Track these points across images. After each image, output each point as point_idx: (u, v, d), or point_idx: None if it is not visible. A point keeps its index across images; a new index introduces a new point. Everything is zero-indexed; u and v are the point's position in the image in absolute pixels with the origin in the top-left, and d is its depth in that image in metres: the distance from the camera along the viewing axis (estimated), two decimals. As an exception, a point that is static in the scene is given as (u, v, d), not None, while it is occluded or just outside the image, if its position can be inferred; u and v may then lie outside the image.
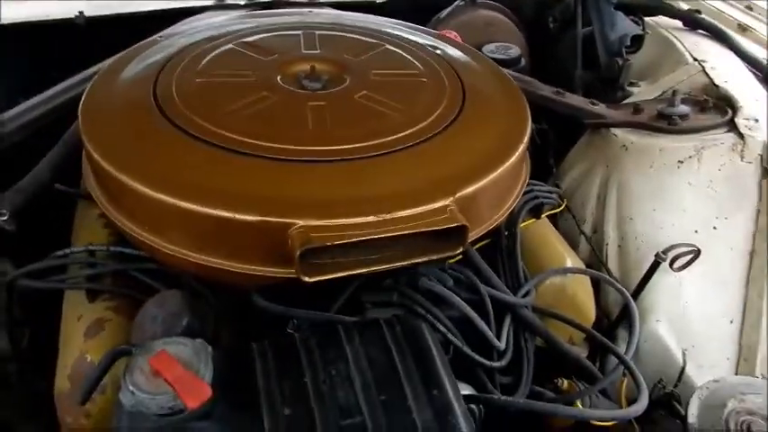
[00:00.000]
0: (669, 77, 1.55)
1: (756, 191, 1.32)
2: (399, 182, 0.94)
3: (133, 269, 1.04)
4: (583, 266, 1.25)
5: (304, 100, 1.08)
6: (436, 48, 1.31)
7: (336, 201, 0.90)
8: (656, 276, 1.26)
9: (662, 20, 1.77)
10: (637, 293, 1.26)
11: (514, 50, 1.60)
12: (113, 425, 0.76)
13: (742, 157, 1.31)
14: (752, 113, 1.37)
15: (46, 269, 1.06)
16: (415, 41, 1.31)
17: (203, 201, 0.88)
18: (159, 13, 1.55)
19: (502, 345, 1.03)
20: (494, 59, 1.42)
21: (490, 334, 1.00)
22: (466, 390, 0.95)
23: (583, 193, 1.45)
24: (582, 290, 1.20)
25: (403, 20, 1.47)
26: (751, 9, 1.77)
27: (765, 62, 1.55)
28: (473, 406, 0.90)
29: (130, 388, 0.71)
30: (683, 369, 1.25)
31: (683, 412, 1.06)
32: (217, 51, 1.19)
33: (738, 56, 1.60)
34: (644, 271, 1.27)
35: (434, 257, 0.92)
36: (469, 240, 0.94)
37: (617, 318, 1.29)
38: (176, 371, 0.73)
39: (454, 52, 1.31)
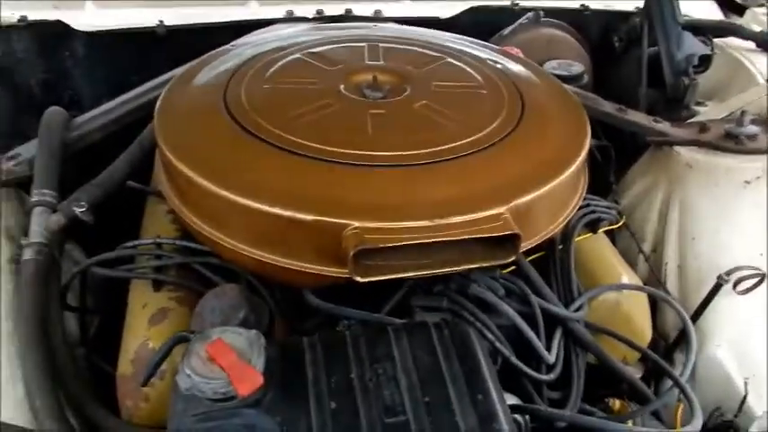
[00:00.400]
0: (738, 98, 1.51)
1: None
2: (454, 189, 0.96)
3: (196, 263, 1.08)
4: (640, 284, 1.22)
5: (365, 108, 1.11)
6: (497, 62, 1.32)
7: (391, 204, 0.92)
8: (717, 299, 1.23)
9: (733, 41, 1.72)
10: (697, 316, 1.24)
11: (577, 67, 1.59)
12: (170, 407, 0.80)
13: (812, 180, 1.27)
14: (823, 136, 1.32)
15: (116, 259, 1.12)
16: (476, 55, 1.33)
17: (263, 199, 0.91)
18: (233, 24, 1.62)
19: (551, 358, 1.02)
20: (555, 76, 1.42)
21: (539, 344, 1.00)
22: (511, 400, 0.95)
23: (643, 211, 1.43)
24: (638, 308, 1.17)
25: (466, 36, 1.49)
26: (827, 31, 1.71)
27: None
28: (518, 417, 0.90)
29: (187, 372, 0.75)
30: (744, 398, 1.21)
31: (740, 440, 1.04)
32: (284, 60, 1.24)
33: (812, 77, 1.54)
34: (705, 293, 1.24)
35: (486, 264, 0.93)
36: (522, 250, 0.94)
37: (674, 341, 1.27)
38: (231, 358, 0.76)
39: (515, 66, 1.32)
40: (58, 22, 1.59)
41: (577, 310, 1.10)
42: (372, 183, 0.96)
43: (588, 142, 1.11)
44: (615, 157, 1.53)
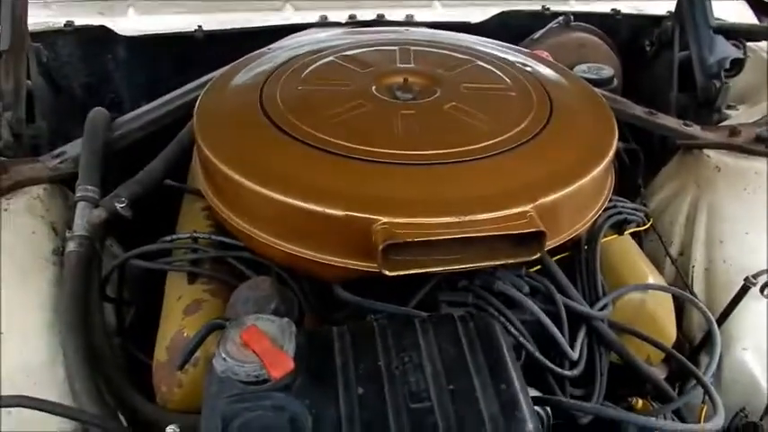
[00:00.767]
0: (770, 102, 1.51)
1: None
2: (481, 186, 0.98)
3: (230, 256, 1.12)
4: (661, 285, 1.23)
5: (396, 109, 1.14)
6: (525, 65, 1.34)
7: (419, 201, 0.95)
8: (744, 302, 1.23)
9: (765, 44, 1.72)
10: (723, 318, 1.23)
11: (607, 71, 1.60)
12: (205, 390, 0.84)
13: (841, 184, 1.26)
14: None
15: (155, 252, 1.17)
16: (504, 58, 1.35)
17: (296, 194, 0.95)
18: (268, 28, 1.68)
19: (575, 354, 1.04)
20: (585, 79, 1.44)
21: (562, 340, 1.02)
22: (533, 393, 0.97)
23: (671, 213, 1.43)
24: (663, 309, 1.18)
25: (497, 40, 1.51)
26: None
27: None
28: (540, 410, 0.92)
29: (223, 355, 0.79)
30: (770, 401, 1.20)
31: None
32: (318, 63, 1.29)
33: None
34: (732, 295, 1.23)
35: (511, 261, 0.95)
36: (547, 248, 0.96)
37: (700, 343, 1.26)
38: (264, 344, 0.79)
39: (543, 69, 1.34)
40: (102, 27, 1.66)
41: (602, 309, 1.11)
42: (402, 180, 0.99)
43: (615, 144, 1.12)
44: (644, 161, 1.53)
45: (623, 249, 1.25)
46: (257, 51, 1.39)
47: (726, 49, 1.56)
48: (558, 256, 1.16)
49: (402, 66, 1.29)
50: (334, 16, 1.72)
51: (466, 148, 1.05)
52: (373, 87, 1.21)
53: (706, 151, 1.40)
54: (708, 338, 1.24)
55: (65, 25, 1.66)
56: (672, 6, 1.86)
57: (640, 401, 1.12)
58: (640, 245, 1.35)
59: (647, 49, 1.84)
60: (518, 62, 1.35)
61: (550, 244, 0.99)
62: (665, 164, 1.54)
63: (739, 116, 1.55)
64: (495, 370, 0.83)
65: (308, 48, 1.36)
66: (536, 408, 0.87)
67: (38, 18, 1.41)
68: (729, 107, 1.59)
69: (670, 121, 1.47)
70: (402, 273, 0.92)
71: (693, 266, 1.34)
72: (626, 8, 1.91)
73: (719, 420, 0.91)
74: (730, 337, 1.23)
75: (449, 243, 0.92)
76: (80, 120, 1.63)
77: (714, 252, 1.32)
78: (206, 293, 1.10)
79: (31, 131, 1.44)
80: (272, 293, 0.99)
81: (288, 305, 1.00)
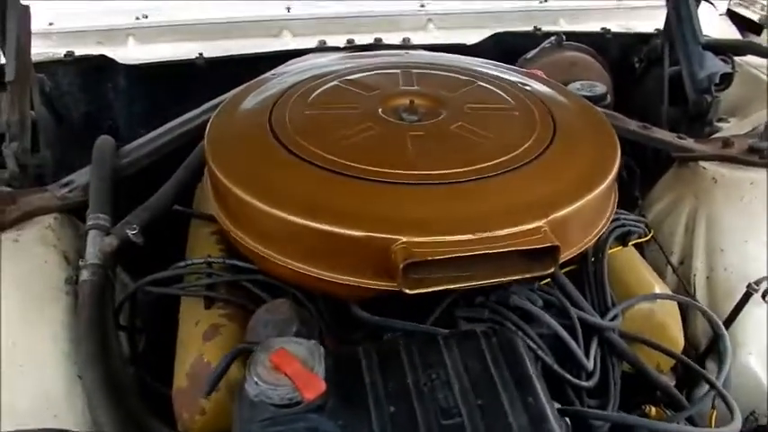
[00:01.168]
0: (760, 114, 1.56)
1: None
2: (495, 204, 1.01)
3: (245, 280, 1.13)
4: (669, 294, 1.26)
5: (404, 130, 1.17)
6: (526, 84, 1.38)
7: (436, 219, 0.97)
8: (746, 309, 1.26)
9: (751, 59, 1.77)
10: (727, 324, 1.26)
11: (600, 88, 1.64)
12: (235, 415, 0.84)
13: (835, 192, 1.31)
14: None
15: (168, 278, 1.18)
16: (505, 78, 1.39)
17: (314, 217, 0.97)
18: (268, 54, 1.70)
19: (591, 365, 1.06)
20: (580, 96, 1.47)
21: (579, 352, 1.04)
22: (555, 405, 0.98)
23: (670, 224, 1.47)
24: (671, 317, 1.20)
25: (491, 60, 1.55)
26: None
27: None
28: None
29: (255, 379, 0.79)
30: (775, 404, 1.23)
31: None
32: (324, 87, 1.31)
33: (831, 93, 1.59)
34: (734, 303, 1.27)
35: (527, 276, 0.98)
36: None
37: (706, 348, 1.29)
38: (294, 366, 0.80)
39: (543, 88, 1.37)
40: (102, 56, 1.67)
41: (613, 319, 1.13)
42: (418, 199, 1.01)
43: (618, 159, 1.15)
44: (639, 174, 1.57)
45: (628, 260, 1.28)
46: (262, 77, 1.41)
47: (715, 65, 1.61)
48: (565, 269, 1.19)
49: (406, 88, 1.32)
50: (332, 41, 1.75)
51: (476, 166, 1.07)
52: (380, 110, 1.23)
53: (701, 163, 1.44)
54: (714, 344, 1.27)
55: (65, 55, 1.67)
56: (658, 24, 1.93)
57: (654, 409, 1.14)
58: (642, 255, 1.38)
59: (637, 65, 1.89)
60: (518, 82, 1.38)
61: (562, 258, 1.01)
62: (660, 176, 1.58)
63: (730, 128, 1.60)
64: (520, 384, 0.85)
65: (312, 72, 1.38)
66: (559, 420, 0.89)
67: (38, 48, 1.42)
68: (720, 120, 1.64)
69: (665, 135, 1.52)
70: (422, 291, 0.94)
71: (695, 275, 1.37)
72: (615, 27, 1.96)
73: (738, 424, 0.94)
74: (735, 343, 1.26)
75: (466, 260, 0.94)
76: (80, 149, 1.64)
77: (715, 261, 1.35)
78: (223, 318, 1.10)
79: (36, 161, 1.45)
80: (292, 316, 1.00)
81: (308, 327, 1.01)
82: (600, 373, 1.09)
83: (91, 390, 1.00)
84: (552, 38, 1.81)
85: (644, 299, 1.18)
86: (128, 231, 1.18)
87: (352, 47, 1.75)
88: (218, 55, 1.69)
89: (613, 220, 1.27)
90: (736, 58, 1.71)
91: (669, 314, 1.21)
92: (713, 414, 1.13)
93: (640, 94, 1.83)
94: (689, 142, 1.49)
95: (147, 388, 1.18)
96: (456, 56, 1.54)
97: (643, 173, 1.60)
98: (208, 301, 1.13)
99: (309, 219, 0.97)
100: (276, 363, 0.81)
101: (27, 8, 1.40)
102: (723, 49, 1.70)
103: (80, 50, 1.69)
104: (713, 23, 1.94)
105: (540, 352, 1.02)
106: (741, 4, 2.10)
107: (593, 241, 1.11)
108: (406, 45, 1.78)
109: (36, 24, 1.42)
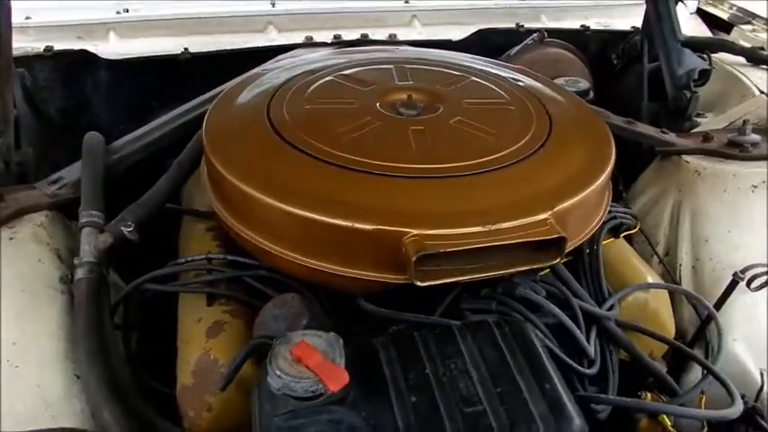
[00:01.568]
0: (737, 109, 1.62)
1: (828, 214, 1.36)
2: (501, 197, 1.03)
3: (247, 276, 1.12)
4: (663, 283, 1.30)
5: (405, 124, 1.18)
6: (517, 80, 1.40)
7: (445, 213, 0.98)
8: (732, 296, 1.30)
9: (724, 56, 1.84)
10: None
11: (583, 84, 1.67)
12: (254, 409, 0.84)
13: (814, 183, 1.37)
14: (821, 143, 1.43)
15: (166, 275, 1.16)
16: (497, 74, 1.41)
17: (325, 211, 0.97)
18: (255, 50, 1.68)
19: (593, 353, 1.08)
20: (565, 92, 1.50)
21: (584, 341, 1.06)
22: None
23: (655, 216, 1.51)
24: (663, 306, 1.24)
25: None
26: (811, 45, 1.84)
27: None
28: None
29: (277, 373, 0.79)
30: (761, 388, 1.28)
31: (766, 426, 1.10)
32: (319, 82, 1.31)
33: (802, 89, 1.66)
34: (719, 291, 1.31)
35: (534, 267, 1.00)
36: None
37: (694, 336, 1.34)
38: (316, 358, 0.80)
39: (534, 83, 1.40)
40: (83, 51, 1.63)
41: (610, 309, 1.16)
42: (426, 192, 1.02)
43: (614, 151, 1.19)
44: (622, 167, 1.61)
45: (621, 251, 1.31)
46: (254, 72, 1.40)
47: (693, 61, 1.67)
48: (562, 261, 1.21)
49: (401, 83, 1.33)
50: (318, 37, 1.75)
51: (480, 160, 1.09)
52: (377, 104, 1.24)
53: (684, 157, 1.48)
54: (701, 332, 1.32)
55: (45, 50, 1.62)
56: (634, 21, 1.99)
57: (649, 395, 1.18)
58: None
59: (615, 62, 1.94)
60: (509, 77, 1.41)
61: (567, 248, 1.04)
62: (642, 170, 1.62)
63: (708, 123, 1.65)
64: (536, 371, 0.87)
65: (305, 68, 1.38)
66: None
67: (15, 43, 1.37)
68: (698, 115, 1.69)
69: (648, 130, 1.56)
70: (433, 283, 0.95)
71: (681, 265, 1.42)
72: (593, 24, 2.01)
73: (740, 407, 0.98)
74: (721, 330, 1.31)
75: (476, 252, 0.95)
76: (57, 145, 1.60)
77: (700, 250, 1.40)
78: (226, 314, 1.09)
79: (18, 158, 1.40)
80: (302, 310, 1.00)
81: (317, 321, 1.01)
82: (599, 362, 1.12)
83: (94, 389, 0.98)
84: (535, 35, 1.84)
85: (638, 288, 1.21)
86: (123, 228, 1.16)
87: (339, 42, 1.75)
88: (204, 50, 1.66)
89: (606, 213, 1.30)
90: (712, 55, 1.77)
91: (662, 303, 1.24)
92: (702, 398, 1.18)
93: (621, 90, 1.87)
94: (671, 137, 1.53)
95: (143, 387, 1.17)
96: (445, 51, 1.56)
97: (625, 166, 1.64)
98: (210, 297, 1.12)
99: (320, 213, 0.97)
100: (298, 355, 0.81)
101: (7, 2, 1.35)
102: (700, 47, 1.76)
103: (59, 45, 1.65)
104: (685, 22, 2.00)
105: (546, 341, 1.04)
106: (710, 3, 2.17)
107: (592, 232, 1.14)
108: (392, 41, 1.78)
109: (13, 18, 1.37)
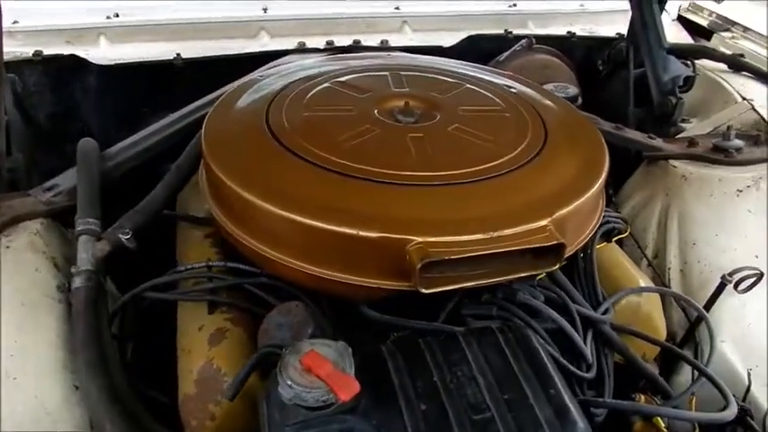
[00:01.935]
0: (720, 114, 1.66)
1: (811, 218, 1.40)
2: (501, 204, 1.04)
3: (249, 283, 1.12)
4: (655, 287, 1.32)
5: (403, 131, 1.19)
6: (510, 87, 1.42)
7: (448, 220, 0.99)
8: (720, 299, 1.34)
9: (705, 63, 1.88)
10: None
11: (572, 90, 1.70)
12: (263, 420, 0.84)
13: (797, 187, 1.41)
14: (802, 147, 1.48)
15: (166, 283, 1.16)
16: (491, 81, 1.43)
17: (329, 219, 0.98)
18: (248, 55, 1.68)
19: (591, 357, 1.11)
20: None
21: (582, 345, 1.08)
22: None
23: (643, 220, 1.54)
24: (655, 309, 1.27)
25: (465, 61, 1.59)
26: (788, 53, 1.89)
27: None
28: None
29: (288, 383, 0.79)
30: (748, 388, 1.32)
31: (756, 426, 1.14)
32: (316, 89, 1.31)
33: (781, 95, 1.70)
34: (707, 293, 1.35)
35: (534, 273, 1.02)
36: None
37: (683, 338, 1.37)
38: (327, 368, 0.81)
39: (527, 90, 1.42)
40: (73, 56, 1.61)
41: (605, 312, 1.18)
42: (428, 200, 1.03)
43: (607, 157, 1.21)
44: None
45: (613, 256, 1.34)
46: (250, 78, 1.39)
47: (678, 68, 1.71)
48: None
49: (398, 90, 1.34)
50: (310, 42, 1.75)
51: (480, 167, 1.10)
52: (375, 111, 1.24)
53: (671, 162, 1.52)
54: (690, 334, 1.35)
55: (34, 54, 1.60)
56: (619, 28, 2.03)
57: (643, 397, 1.20)
58: (619, 250, 1.45)
59: (600, 68, 1.98)
60: (503, 84, 1.42)
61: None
62: (630, 175, 1.65)
63: (693, 128, 1.69)
64: (541, 377, 0.88)
65: (302, 74, 1.38)
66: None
67: (4, 48, 1.35)
68: (683, 120, 1.73)
69: (636, 135, 1.59)
70: (437, 290, 0.96)
71: (669, 268, 1.45)
72: (579, 30, 2.04)
73: (734, 409, 1.01)
74: (713, 332, 1.34)
75: (478, 259, 0.97)
76: (47, 150, 1.58)
77: (688, 254, 1.43)
78: (228, 322, 1.09)
79: (9, 164, 1.39)
80: (307, 318, 1.01)
81: (322, 329, 1.02)
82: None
83: (95, 399, 0.98)
84: (523, 41, 1.87)
85: (632, 292, 1.24)
86: (120, 236, 1.15)
87: (332, 48, 1.75)
88: (197, 55, 1.65)
89: (599, 218, 1.33)
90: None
91: (654, 306, 1.28)
92: (692, 400, 1.21)
93: (607, 95, 1.90)
94: (658, 142, 1.57)
95: (139, 396, 1.16)
96: (438, 58, 1.57)
97: (614, 171, 1.67)
98: (211, 305, 1.12)
99: (324, 221, 0.97)
100: (308, 365, 0.81)
101: (-2, 7, 1.34)
102: (684, 53, 1.80)
103: (48, 50, 1.63)
104: (667, 28, 2.04)
105: (546, 346, 1.06)
106: (691, 11, 2.22)
107: (588, 237, 1.16)
108: (385, 47, 1.79)
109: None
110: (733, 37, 2.06)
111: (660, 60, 1.69)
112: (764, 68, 1.80)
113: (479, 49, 1.88)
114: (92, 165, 1.28)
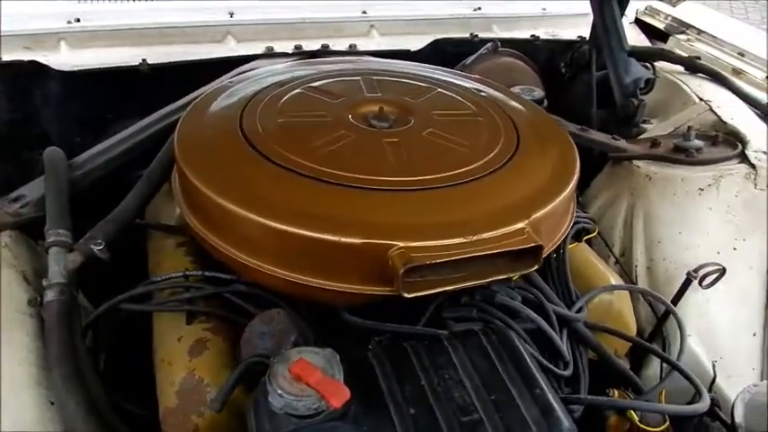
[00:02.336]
0: (680, 116, 1.72)
1: (770, 214, 1.47)
2: (479, 207, 1.06)
3: (227, 292, 1.11)
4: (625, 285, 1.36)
5: (379, 137, 1.19)
6: (480, 90, 1.44)
7: (428, 225, 1.00)
8: (686, 295, 1.38)
9: (663, 65, 1.94)
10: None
11: (538, 92, 1.73)
12: (251, 430, 0.84)
13: (755, 185, 1.47)
14: (760, 146, 1.54)
15: (141, 294, 1.14)
16: (461, 85, 1.45)
17: (309, 226, 0.97)
18: (215, 60, 1.66)
19: (568, 355, 1.13)
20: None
21: (560, 344, 1.11)
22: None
23: (609, 219, 1.59)
24: (626, 306, 1.31)
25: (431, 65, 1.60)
26: (743, 55, 1.96)
27: (765, 102, 1.72)
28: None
29: (278, 392, 0.79)
30: (713, 379, 1.37)
31: (725, 417, 1.18)
32: (289, 94, 1.30)
33: (737, 96, 1.77)
34: (673, 289, 1.39)
35: (512, 274, 1.04)
36: (539, 260, 1.05)
37: (652, 332, 1.41)
38: (316, 376, 0.81)
39: (497, 94, 1.44)
40: (34, 62, 1.57)
41: (579, 311, 1.21)
42: (407, 205, 1.04)
43: (578, 159, 1.24)
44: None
45: (584, 255, 1.38)
46: (220, 84, 1.38)
47: (639, 70, 1.76)
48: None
49: (370, 95, 1.34)
50: (278, 47, 1.73)
51: (456, 171, 1.11)
52: (349, 116, 1.25)
53: (635, 162, 1.56)
54: (658, 329, 1.40)
55: (-8, 60, 1.55)
56: (581, 31, 2.07)
57: (616, 392, 1.23)
58: (588, 249, 1.48)
59: (563, 70, 2.02)
60: (472, 88, 1.44)
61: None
62: (594, 175, 1.70)
63: (654, 129, 1.74)
64: (525, 377, 0.90)
65: (273, 79, 1.37)
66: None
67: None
68: (644, 121, 1.78)
69: (600, 136, 1.64)
70: (420, 294, 0.97)
71: (636, 266, 1.50)
72: (542, 34, 2.08)
73: (707, 401, 1.05)
74: (675, 326, 1.39)
75: (459, 263, 0.98)
76: (3, 157, 1.54)
77: (653, 251, 1.48)
78: (207, 332, 1.08)
79: (-33, 174, 1.35)
80: (290, 326, 1.01)
81: (305, 336, 1.02)
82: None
83: (72, 415, 0.96)
84: (489, 44, 1.89)
85: (603, 290, 1.28)
86: (92, 247, 1.13)
87: (300, 53, 1.74)
88: (163, 61, 1.62)
89: (571, 218, 1.36)
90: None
91: (624, 304, 1.32)
92: (662, 393, 1.25)
93: (570, 98, 1.95)
94: (622, 143, 1.61)
95: (115, 409, 1.14)
96: (408, 62, 1.58)
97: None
98: (190, 315, 1.11)
99: (305, 228, 0.97)
100: (297, 373, 0.81)
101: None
102: (644, 56, 1.85)
103: (6, 56, 1.58)
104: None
105: (525, 345, 1.08)
106: (647, 14, 2.29)
107: (562, 238, 1.19)
108: (353, 51, 1.80)
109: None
110: (688, 39, 2.13)
111: (622, 63, 1.74)
112: (720, 70, 1.87)
113: (446, 52, 1.90)
114: (59, 174, 1.25)
